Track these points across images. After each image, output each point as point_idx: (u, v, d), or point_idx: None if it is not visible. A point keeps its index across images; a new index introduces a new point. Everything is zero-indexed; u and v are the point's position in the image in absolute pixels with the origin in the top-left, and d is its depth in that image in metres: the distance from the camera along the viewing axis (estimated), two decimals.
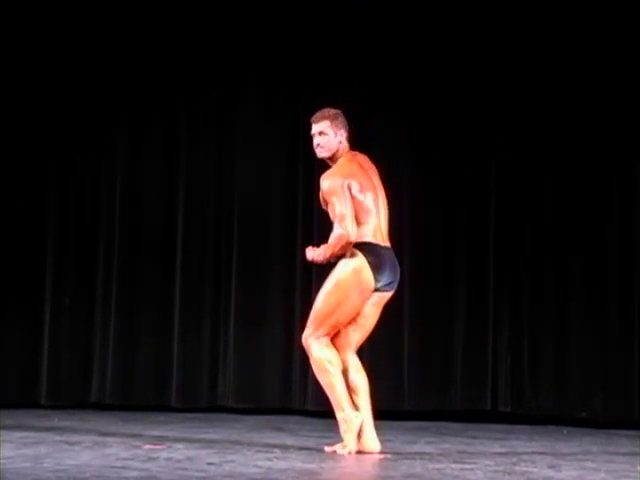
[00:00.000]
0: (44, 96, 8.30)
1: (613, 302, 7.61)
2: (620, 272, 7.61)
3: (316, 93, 8.00)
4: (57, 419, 7.14)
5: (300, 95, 8.15)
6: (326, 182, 5.38)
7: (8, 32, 8.22)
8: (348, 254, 5.35)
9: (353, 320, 5.41)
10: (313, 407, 7.70)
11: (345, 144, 5.52)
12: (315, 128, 5.51)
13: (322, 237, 7.44)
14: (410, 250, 7.60)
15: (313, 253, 5.38)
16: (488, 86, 7.87)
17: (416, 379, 7.80)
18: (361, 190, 5.37)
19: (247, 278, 8.11)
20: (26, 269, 8.31)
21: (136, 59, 8.33)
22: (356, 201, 5.35)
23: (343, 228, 5.29)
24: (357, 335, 5.46)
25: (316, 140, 5.51)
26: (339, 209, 5.31)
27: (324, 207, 5.47)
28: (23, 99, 8.29)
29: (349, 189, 5.34)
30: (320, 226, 7.57)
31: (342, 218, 5.30)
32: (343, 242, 5.30)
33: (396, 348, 7.81)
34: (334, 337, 5.40)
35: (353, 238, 5.30)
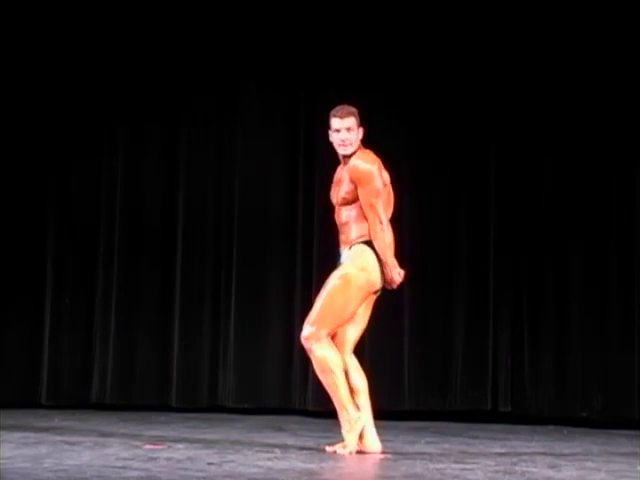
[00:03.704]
0: (45, 96, 8.30)
1: (613, 302, 7.61)
2: (620, 272, 7.61)
3: (316, 92, 8.02)
4: (57, 419, 7.14)
5: (300, 95, 8.16)
6: (362, 165, 5.35)
7: (9, 33, 8.21)
8: (359, 252, 5.35)
9: (350, 319, 5.40)
10: (313, 407, 7.70)
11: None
12: (342, 123, 5.41)
13: (322, 237, 7.51)
14: (410, 250, 7.60)
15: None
16: (488, 86, 7.86)
17: (416, 379, 7.80)
18: (384, 185, 5.42)
19: (247, 278, 8.11)
20: (26, 269, 8.31)
21: (136, 59, 8.33)
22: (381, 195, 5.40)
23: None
24: (354, 334, 5.43)
25: (344, 136, 5.41)
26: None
27: (343, 190, 5.38)
28: (24, 99, 8.30)
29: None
30: (320, 226, 7.59)
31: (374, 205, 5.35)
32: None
33: (396, 348, 7.81)
34: (332, 337, 5.38)
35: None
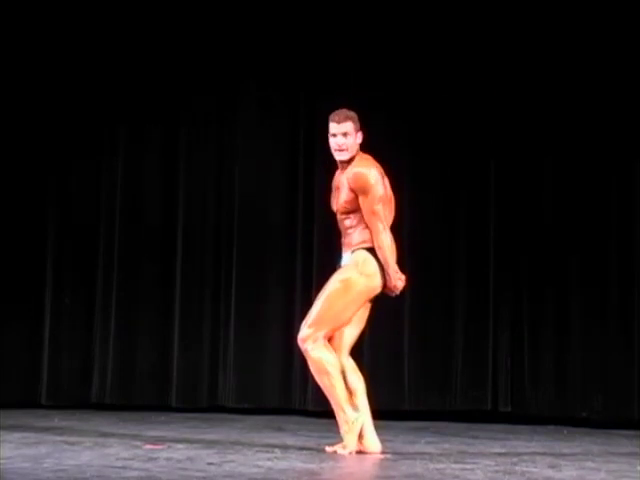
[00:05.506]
0: (45, 96, 8.30)
1: (613, 302, 7.61)
2: (620, 272, 7.61)
3: (316, 92, 8.02)
4: (57, 419, 7.14)
5: (300, 95, 8.15)
6: (362, 172, 5.29)
7: (9, 33, 8.21)
8: (361, 257, 5.32)
9: (347, 322, 5.38)
10: (313, 407, 7.69)
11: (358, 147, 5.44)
12: (339, 128, 5.34)
13: (322, 237, 7.52)
14: (410, 250, 7.60)
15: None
16: (488, 86, 7.86)
17: (416, 379, 7.79)
18: (384, 188, 5.37)
19: (247, 278, 8.11)
20: (26, 269, 8.31)
21: (136, 59, 8.33)
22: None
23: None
24: (351, 336, 5.43)
25: (340, 141, 5.34)
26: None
27: (343, 199, 5.34)
28: (24, 99, 8.29)
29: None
30: (320, 226, 7.59)
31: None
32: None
33: (396, 348, 7.81)
34: (329, 339, 5.36)
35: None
